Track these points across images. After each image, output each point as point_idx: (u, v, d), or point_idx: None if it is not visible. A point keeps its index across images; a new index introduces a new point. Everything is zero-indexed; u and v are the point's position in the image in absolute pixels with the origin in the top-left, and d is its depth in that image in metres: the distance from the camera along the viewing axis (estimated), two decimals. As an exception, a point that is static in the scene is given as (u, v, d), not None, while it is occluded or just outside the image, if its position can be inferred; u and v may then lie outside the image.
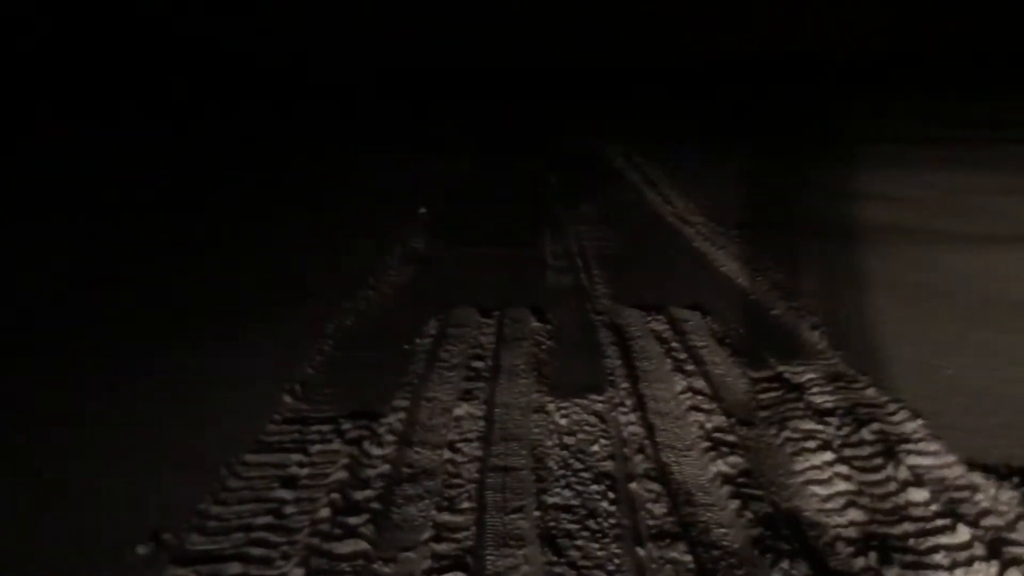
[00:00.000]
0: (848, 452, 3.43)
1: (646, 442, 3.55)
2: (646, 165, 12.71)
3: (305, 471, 3.41)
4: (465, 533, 2.94)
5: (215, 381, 4.38)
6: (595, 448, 3.52)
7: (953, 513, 2.96)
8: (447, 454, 3.48)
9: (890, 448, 3.44)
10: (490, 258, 7.13)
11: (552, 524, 2.98)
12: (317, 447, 3.60)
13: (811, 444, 3.48)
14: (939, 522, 2.91)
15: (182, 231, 8.54)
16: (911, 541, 2.82)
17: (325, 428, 3.78)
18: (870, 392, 4.03)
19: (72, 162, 14.71)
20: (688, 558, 2.76)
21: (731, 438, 3.57)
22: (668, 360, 4.48)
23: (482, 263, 6.94)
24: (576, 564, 2.76)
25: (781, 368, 4.39)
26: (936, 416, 3.71)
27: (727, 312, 5.40)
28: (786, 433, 3.60)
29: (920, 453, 3.40)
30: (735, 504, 3.04)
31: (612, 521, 2.99)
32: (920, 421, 3.66)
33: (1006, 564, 2.65)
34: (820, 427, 3.63)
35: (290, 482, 3.31)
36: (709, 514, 3.03)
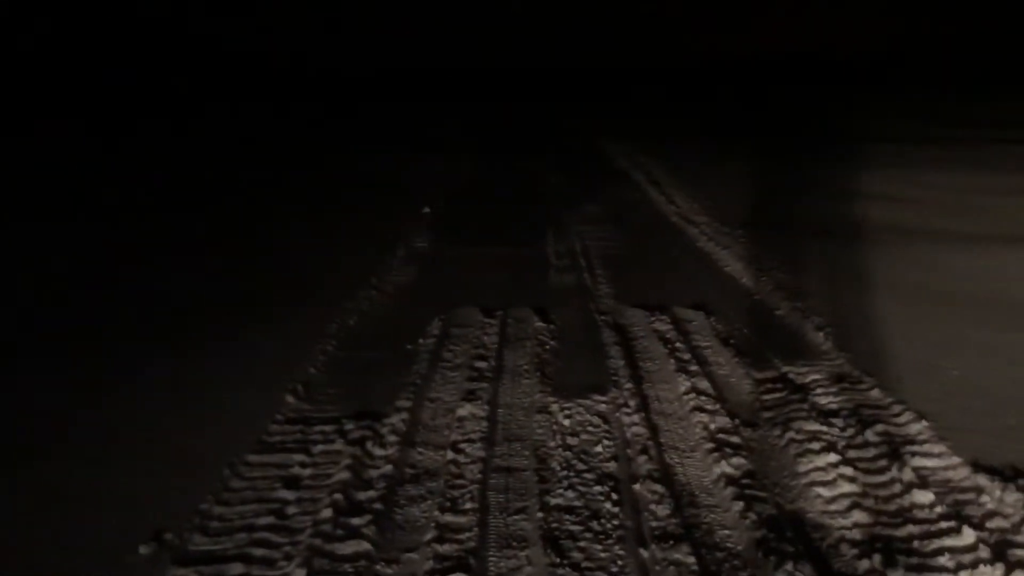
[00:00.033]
0: (852, 454, 3.42)
1: (649, 443, 3.53)
2: (649, 164, 12.72)
3: (307, 471, 3.39)
4: (468, 534, 2.92)
5: (217, 381, 4.37)
6: (598, 449, 3.51)
7: (958, 515, 2.94)
8: (450, 455, 3.47)
9: (895, 450, 3.43)
10: (493, 257, 7.11)
11: (555, 525, 2.97)
12: (319, 447, 3.59)
13: (815, 445, 3.47)
14: (944, 524, 2.90)
15: (182, 231, 8.52)
16: (916, 543, 2.81)
17: (328, 428, 3.77)
18: (875, 393, 4.02)
19: (72, 162, 14.72)
20: (692, 560, 2.74)
21: (735, 439, 3.56)
22: (672, 360, 4.46)
23: (485, 262, 6.93)
24: (579, 566, 2.75)
25: (785, 369, 4.38)
26: (941, 417, 3.70)
27: (731, 312, 5.39)
28: (790, 434, 3.58)
29: (925, 455, 3.39)
30: (739, 506, 3.03)
31: (615, 522, 2.98)
32: (925, 422, 3.65)
33: (1011, 567, 2.64)
34: (824, 428, 3.61)
35: (292, 482, 3.30)
36: (713, 516, 3.02)
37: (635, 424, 3.70)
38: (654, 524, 2.95)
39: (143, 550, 2.84)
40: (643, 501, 3.10)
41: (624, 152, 14.50)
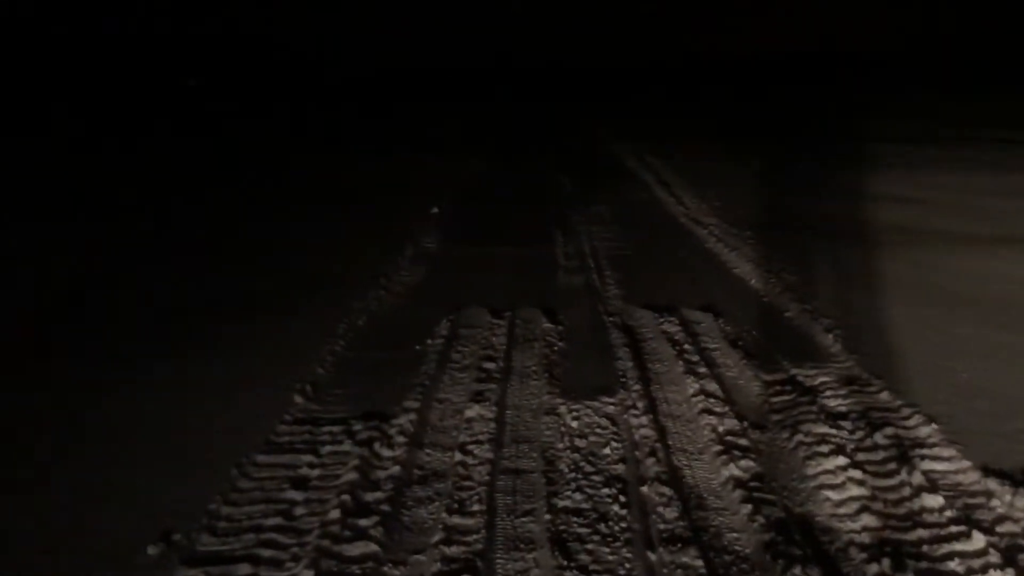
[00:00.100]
0: (862, 456, 3.41)
1: (658, 445, 3.53)
2: (657, 165, 12.70)
3: (315, 472, 3.40)
4: (475, 536, 2.93)
5: (224, 381, 4.39)
6: (606, 451, 3.50)
7: (968, 519, 2.93)
8: (458, 456, 3.47)
9: (904, 453, 3.41)
10: (501, 258, 7.11)
11: (563, 528, 2.97)
12: (328, 448, 3.59)
13: (824, 448, 3.45)
14: (953, 528, 2.88)
15: (189, 231, 8.55)
16: (925, 547, 2.80)
17: (336, 429, 3.78)
18: (884, 396, 4.00)
19: (74, 162, 14.79)
20: (699, 563, 2.74)
21: (743, 442, 3.54)
22: (680, 362, 4.45)
23: (493, 263, 6.93)
24: (587, 568, 2.75)
25: (794, 371, 4.37)
26: (951, 420, 3.68)
27: (740, 314, 5.37)
28: (799, 437, 3.57)
29: (935, 458, 3.37)
30: (747, 508, 3.02)
31: (623, 525, 2.98)
32: (934, 425, 3.63)
33: (1022, 572, 2.63)
34: (833, 431, 3.60)
35: (300, 483, 3.31)
36: (721, 518, 3.01)
37: (643, 426, 3.70)
38: (662, 527, 2.95)
39: (151, 550, 2.86)
40: (651, 503, 3.09)
41: (631, 152, 14.48)
